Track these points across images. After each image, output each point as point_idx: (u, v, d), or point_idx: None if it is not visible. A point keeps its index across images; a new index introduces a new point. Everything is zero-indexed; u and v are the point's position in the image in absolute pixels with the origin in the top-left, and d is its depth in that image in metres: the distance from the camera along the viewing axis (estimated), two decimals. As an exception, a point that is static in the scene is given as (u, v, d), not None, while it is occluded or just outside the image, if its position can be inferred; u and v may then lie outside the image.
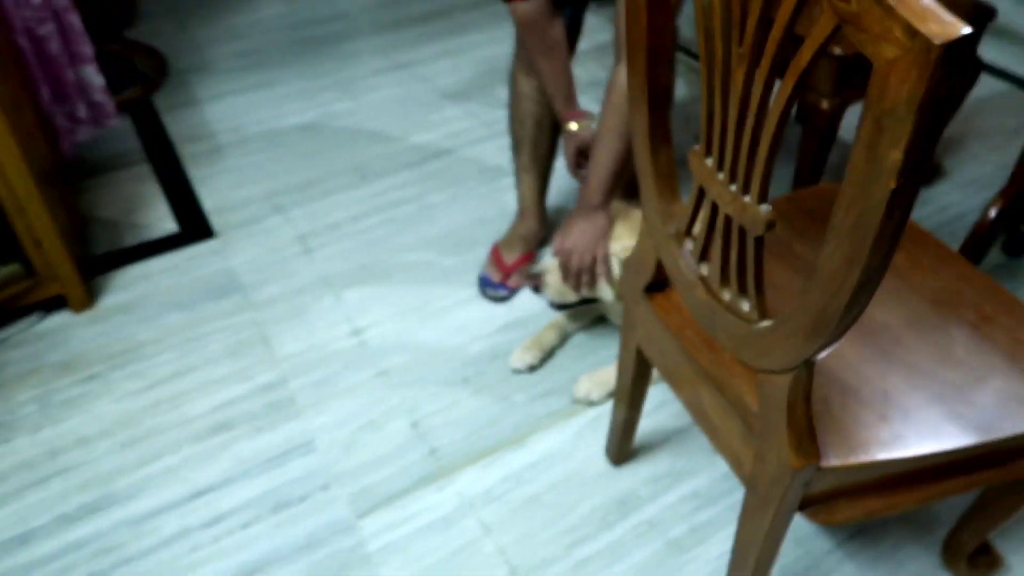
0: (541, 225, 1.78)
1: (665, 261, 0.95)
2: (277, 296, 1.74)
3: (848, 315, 0.66)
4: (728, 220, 0.80)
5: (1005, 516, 1.05)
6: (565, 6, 1.51)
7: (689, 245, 0.90)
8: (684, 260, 0.91)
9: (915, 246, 1.09)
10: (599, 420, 1.44)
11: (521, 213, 1.78)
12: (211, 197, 2.04)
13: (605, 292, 1.43)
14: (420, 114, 2.36)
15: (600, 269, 1.39)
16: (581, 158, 1.53)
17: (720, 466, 1.35)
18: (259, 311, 1.70)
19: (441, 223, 1.93)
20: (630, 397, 1.21)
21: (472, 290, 1.74)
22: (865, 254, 0.60)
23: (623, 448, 1.33)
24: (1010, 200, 1.60)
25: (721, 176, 0.78)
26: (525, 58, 1.58)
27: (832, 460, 0.84)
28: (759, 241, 0.76)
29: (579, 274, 1.40)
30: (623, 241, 1.39)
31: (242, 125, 2.34)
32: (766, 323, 0.79)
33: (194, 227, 1.94)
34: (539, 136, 1.66)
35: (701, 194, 0.84)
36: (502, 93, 2.42)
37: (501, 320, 1.66)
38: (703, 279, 0.88)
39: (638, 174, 0.94)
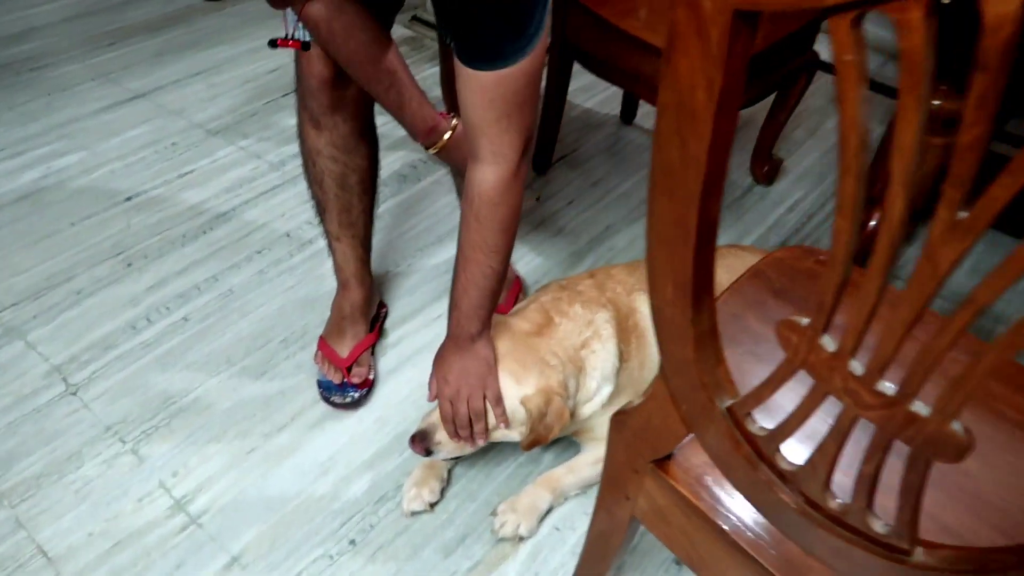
0: (368, 293, 1.41)
1: (706, 443, 0.68)
2: (41, 473, 1.21)
3: None
4: (855, 419, 0.54)
5: None
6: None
7: (757, 427, 0.63)
8: (745, 448, 0.64)
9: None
10: (536, 555, 1.16)
11: (341, 286, 1.39)
12: None
13: (510, 436, 1.15)
14: (183, 160, 1.84)
15: (496, 416, 1.11)
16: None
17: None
18: (17, 504, 1.17)
19: (254, 315, 1.49)
20: (610, 565, 0.94)
21: (323, 402, 1.35)
22: None
23: (587, 602, 1.06)
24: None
25: (857, 368, 0.52)
26: (311, 109, 1.20)
27: None
28: (928, 465, 0.52)
29: (470, 424, 1.11)
30: (526, 385, 1.10)
31: (-81, 205, 1.68)
32: (927, 557, 0.55)
33: None
34: (347, 196, 1.29)
35: (790, 370, 0.57)
36: (285, 121, 1.98)
37: (374, 440, 1.30)
38: (785, 476, 0.62)
39: (664, 336, 0.65)
